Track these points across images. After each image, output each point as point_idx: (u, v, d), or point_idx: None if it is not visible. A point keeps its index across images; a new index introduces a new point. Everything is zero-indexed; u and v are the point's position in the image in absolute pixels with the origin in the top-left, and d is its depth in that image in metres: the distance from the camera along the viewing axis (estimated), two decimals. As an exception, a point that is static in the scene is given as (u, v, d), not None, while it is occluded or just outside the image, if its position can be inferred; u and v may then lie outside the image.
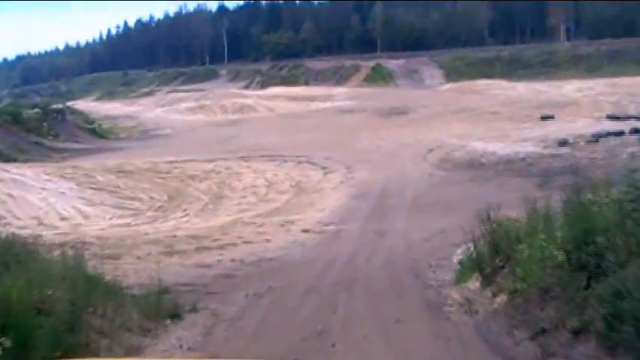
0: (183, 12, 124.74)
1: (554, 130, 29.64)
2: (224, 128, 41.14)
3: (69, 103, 58.20)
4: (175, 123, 46.96)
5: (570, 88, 50.87)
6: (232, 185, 21.95)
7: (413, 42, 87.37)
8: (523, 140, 27.50)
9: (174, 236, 15.73)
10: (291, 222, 16.85)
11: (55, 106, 43.62)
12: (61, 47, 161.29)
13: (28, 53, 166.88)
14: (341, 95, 59.52)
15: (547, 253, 6.71)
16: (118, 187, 21.27)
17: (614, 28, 75.58)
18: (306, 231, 15.84)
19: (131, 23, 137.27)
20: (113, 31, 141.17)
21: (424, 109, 41.93)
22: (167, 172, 24.29)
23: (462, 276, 9.84)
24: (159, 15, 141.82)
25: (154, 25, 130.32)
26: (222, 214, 18.47)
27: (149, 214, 18.79)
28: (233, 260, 13.70)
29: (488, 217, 9.65)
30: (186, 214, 18.55)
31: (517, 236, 8.35)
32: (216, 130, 40.64)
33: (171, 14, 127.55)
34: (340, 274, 11.39)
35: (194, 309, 9.38)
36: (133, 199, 20.20)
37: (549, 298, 6.61)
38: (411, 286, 10.40)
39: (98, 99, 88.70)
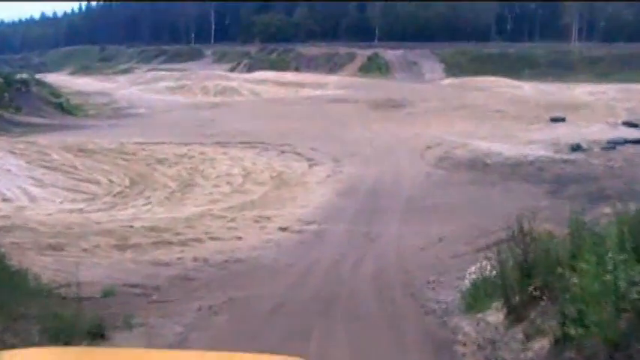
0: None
1: (566, 133, 28.40)
2: (204, 111, 39.62)
3: (38, 76, 56.48)
4: (151, 102, 45.32)
5: (581, 91, 49.63)
6: (205, 172, 20.55)
7: (413, 33, 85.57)
8: (531, 142, 26.27)
9: (131, 227, 14.34)
10: (268, 218, 15.50)
11: (19, 77, 41.89)
12: (37, 16, 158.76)
13: (2, 21, 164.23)
14: (333, 84, 58.02)
15: (616, 286, 5.05)
16: (75, 167, 19.81)
17: (628, 31, 74.58)
18: (283, 229, 14.50)
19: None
20: (94, 3, 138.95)
21: (423, 104, 40.55)
22: (133, 154, 22.86)
23: (474, 302, 8.16)
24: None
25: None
26: (190, 204, 17.07)
27: (106, 199, 17.36)
28: (195, 259, 12.37)
29: (521, 230, 7.59)
30: (149, 203, 17.12)
31: (559, 258, 6.52)
32: (195, 112, 39.11)
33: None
34: (318, 287, 10.04)
35: (127, 325, 7.76)
36: (89, 181, 18.76)
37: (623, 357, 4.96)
38: (407, 309, 9.01)
39: (72, 74, 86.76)
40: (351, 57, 79.71)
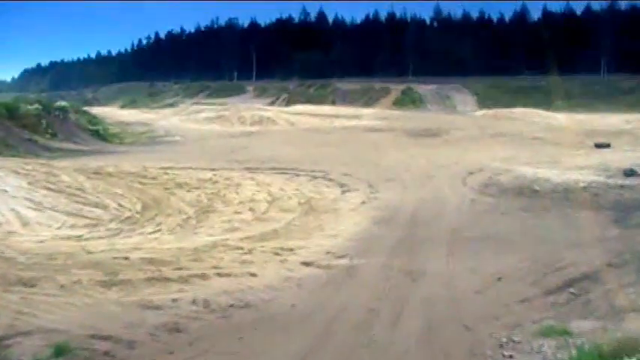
0: (215, 26, 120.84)
1: (614, 159, 24.71)
2: (238, 139, 36.61)
3: (86, 108, 54.35)
4: (188, 131, 42.47)
5: (617, 119, 45.85)
6: (227, 198, 17.35)
7: (446, 68, 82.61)
8: (580, 168, 22.65)
9: (127, 258, 11.16)
10: (291, 250, 12.21)
11: (57, 104, 39.33)
12: (93, 55, 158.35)
13: (62, 60, 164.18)
14: (368, 115, 54.86)
15: None
16: (82, 190, 16.70)
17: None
18: (307, 264, 11.21)
19: (162, 34, 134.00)
20: (144, 42, 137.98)
21: (459, 132, 37.14)
22: (153, 178, 19.77)
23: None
24: (190, 28, 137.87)
25: (184, 37, 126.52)
26: (205, 232, 13.86)
27: (111, 225, 14.22)
28: (194, 302, 9.16)
29: None
30: (158, 230, 13.95)
31: None
32: (230, 140, 36.10)
33: (203, 28, 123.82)
34: (346, 352, 6.69)
35: None
36: (96, 205, 15.63)
37: None
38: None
39: (121, 107, 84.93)
40: (386, 91, 76.72)
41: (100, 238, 13.15)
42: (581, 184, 19.59)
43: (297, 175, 21.48)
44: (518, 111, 54.37)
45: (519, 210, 16.01)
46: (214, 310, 8.86)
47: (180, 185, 18.83)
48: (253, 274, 10.54)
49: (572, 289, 9.64)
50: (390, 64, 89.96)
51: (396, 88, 76.56)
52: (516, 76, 77.80)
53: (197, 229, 14.21)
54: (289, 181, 20.36)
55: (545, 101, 63.33)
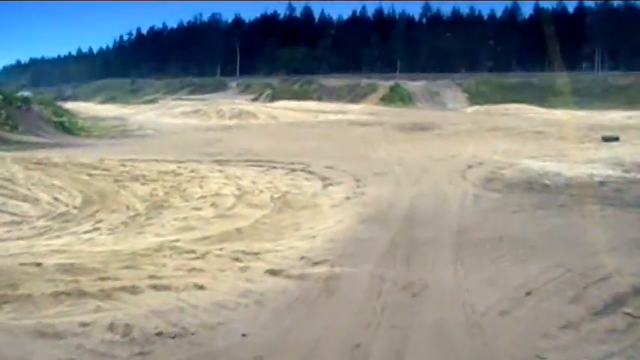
0: (198, 22, 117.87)
1: (626, 152, 22.41)
2: (215, 132, 33.95)
3: (60, 102, 51.71)
4: (163, 125, 39.80)
5: (617, 115, 43.63)
6: (188, 192, 14.73)
7: (435, 65, 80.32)
8: (590, 161, 20.24)
9: (39, 265, 8.50)
10: (255, 254, 9.61)
11: (20, 94, 36.52)
12: (74, 52, 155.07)
13: (42, 57, 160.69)
14: (355, 111, 52.43)
15: None
16: (12, 181, 14.03)
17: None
18: (274, 273, 8.59)
19: (144, 31, 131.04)
20: (125, 38, 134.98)
21: (452, 127, 34.63)
22: (106, 170, 17.17)
23: None
24: (172, 24, 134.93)
25: (167, 33, 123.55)
26: (152, 232, 11.22)
27: (38, 223, 11.58)
28: (111, 327, 6.56)
29: None
30: (96, 229, 11.31)
31: None
32: (205, 133, 33.42)
33: (186, 24, 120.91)
34: None
35: None
36: (24, 199, 12.98)
37: None
38: None
39: (99, 103, 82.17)
40: (373, 88, 74.31)
41: (20, 238, 10.51)
42: (597, 179, 17.16)
43: (274, 168, 18.91)
44: (512, 107, 52.34)
45: (533, 207, 13.44)
46: (134, 340, 6.25)
47: (135, 178, 16.21)
48: (201, 287, 7.93)
49: (627, 309, 7.15)
50: (377, 61, 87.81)
51: (384, 85, 74.22)
52: (508, 72, 75.52)
53: (144, 227, 11.56)
54: (263, 174, 17.78)
55: (538, 98, 61.21)
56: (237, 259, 9.32)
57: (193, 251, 9.76)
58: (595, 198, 14.74)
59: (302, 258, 9.40)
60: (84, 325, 6.61)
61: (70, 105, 56.97)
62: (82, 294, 7.51)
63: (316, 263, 9.11)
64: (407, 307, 7.09)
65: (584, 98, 60.38)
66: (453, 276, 8.44)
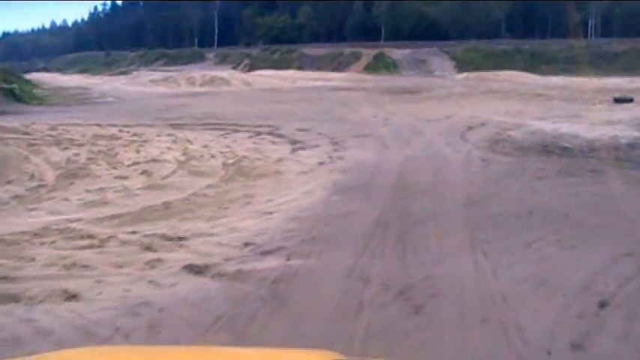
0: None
1: (646, 113, 19.54)
2: (182, 99, 30.60)
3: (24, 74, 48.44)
4: (127, 93, 36.38)
5: (617, 81, 40.79)
6: (119, 158, 11.65)
7: (421, 32, 76.80)
8: (609, 123, 17.35)
9: None
10: (180, 239, 6.57)
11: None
12: (48, 26, 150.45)
13: (15, 31, 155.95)
14: (337, 78, 49.27)
15: None
16: None
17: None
18: (196, 271, 5.53)
19: (119, 2, 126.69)
20: (100, 10, 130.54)
21: (442, 90, 31.59)
22: (26, 134, 14.05)
23: None
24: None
25: (142, 4, 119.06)
26: (48, 208, 8.16)
27: None
28: None
29: None
30: (-27, 206, 8.21)
31: None
32: (170, 100, 30.07)
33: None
34: None
35: None
36: None
37: None
38: None
39: (70, 75, 78.41)
40: (357, 56, 70.80)
41: None
42: (624, 141, 14.25)
43: (236, 132, 15.83)
44: (504, 73, 49.45)
45: (559, 173, 10.44)
46: None
47: (59, 142, 13.10)
48: (71, 297, 4.89)
49: None
50: (361, 29, 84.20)
51: (368, 54, 70.63)
52: (497, 39, 72.22)
53: (41, 202, 8.48)
54: (222, 138, 14.70)
55: (530, 65, 58.09)
56: (148, 248, 6.27)
57: (91, 236, 6.71)
58: (629, 162, 11.83)
59: (246, 245, 6.36)
60: None
61: (33, 75, 53.69)
62: None
63: (265, 253, 6.08)
64: (407, 336, 4.05)
65: (577, 66, 57.26)
66: (473, 273, 5.42)
